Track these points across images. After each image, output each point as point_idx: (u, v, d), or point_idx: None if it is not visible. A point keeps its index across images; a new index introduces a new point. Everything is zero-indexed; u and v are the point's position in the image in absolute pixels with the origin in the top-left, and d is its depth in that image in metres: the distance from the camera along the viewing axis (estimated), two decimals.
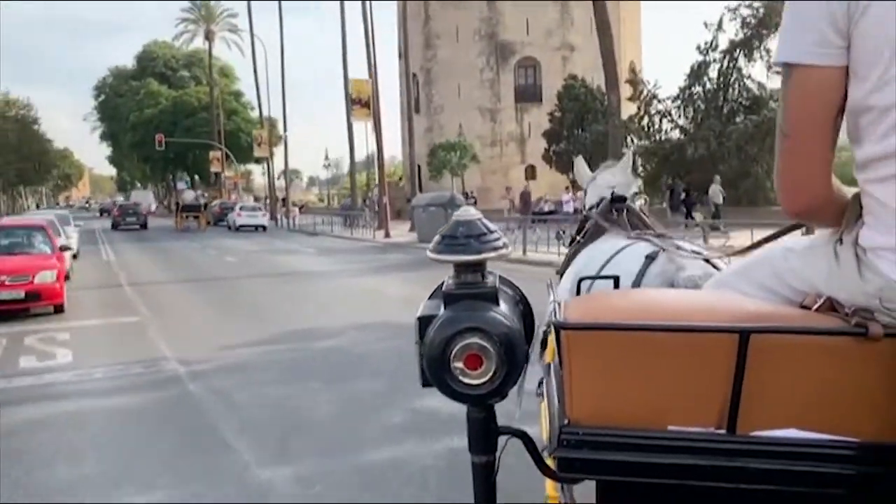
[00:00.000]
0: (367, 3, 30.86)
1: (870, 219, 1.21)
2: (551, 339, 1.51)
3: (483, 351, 1.36)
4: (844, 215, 1.26)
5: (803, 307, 1.30)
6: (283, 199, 48.81)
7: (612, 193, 3.35)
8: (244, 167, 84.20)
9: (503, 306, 1.44)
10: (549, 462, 1.38)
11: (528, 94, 45.19)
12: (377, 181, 33.90)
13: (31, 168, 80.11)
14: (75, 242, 20.51)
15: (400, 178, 38.49)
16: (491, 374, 1.36)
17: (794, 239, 1.47)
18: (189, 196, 43.67)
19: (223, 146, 57.06)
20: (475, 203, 33.20)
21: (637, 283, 2.49)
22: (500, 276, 1.55)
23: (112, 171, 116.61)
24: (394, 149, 66.31)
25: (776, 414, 1.23)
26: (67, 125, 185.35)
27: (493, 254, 1.43)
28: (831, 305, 1.25)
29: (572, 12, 43.85)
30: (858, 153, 1.21)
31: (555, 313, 1.46)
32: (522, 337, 1.44)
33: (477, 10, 44.77)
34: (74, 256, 19.99)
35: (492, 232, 1.46)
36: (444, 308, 1.42)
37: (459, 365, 1.37)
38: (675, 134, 28.44)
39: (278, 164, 58.50)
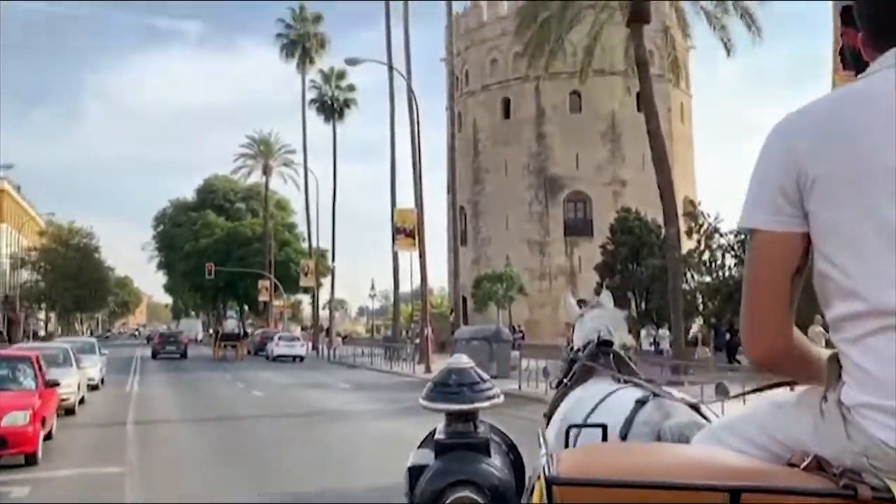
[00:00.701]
0: (417, 140, 30.98)
1: (848, 377, 1.24)
2: (539, 487, 1.45)
3: None
4: (821, 371, 1.30)
5: (791, 465, 1.30)
6: (327, 330, 47.94)
7: (599, 337, 3.34)
8: (294, 297, 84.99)
9: (495, 457, 1.48)
10: None
11: (577, 228, 44.35)
12: (421, 312, 32.71)
13: (89, 295, 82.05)
14: (97, 372, 19.59)
15: (451, 311, 37.14)
16: None
17: (783, 394, 1.47)
18: (229, 325, 43.59)
19: (272, 276, 57.32)
20: (522, 337, 31.52)
21: (626, 429, 2.47)
22: (490, 426, 1.58)
23: (169, 299, 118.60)
24: (441, 281, 65.92)
25: None
26: (130, 254, 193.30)
27: (485, 403, 1.48)
28: (819, 464, 1.26)
29: (623, 149, 43.74)
30: (828, 314, 1.28)
31: (547, 467, 1.41)
32: (513, 489, 1.47)
33: (526, 146, 45.09)
34: (95, 387, 19.07)
35: (484, 381, 1.52)
36: (436, 458, 1.45)
37: None
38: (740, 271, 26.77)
39: (326, 295, 58.58)
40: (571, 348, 3.68)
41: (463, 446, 1.45)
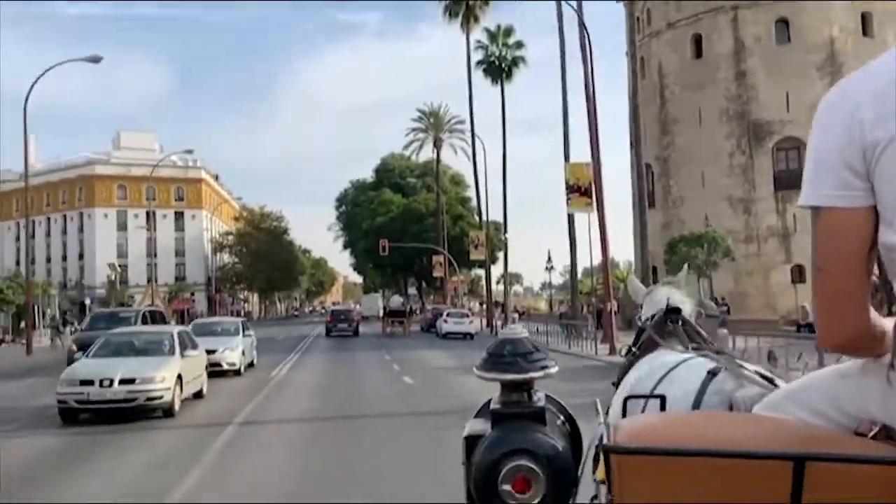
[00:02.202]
0: (590, 78, 26.48)
1: None
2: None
3: (532, 474, 1.37)
4: (888, 342, 1.26)
5: (858, 434, 1.28)
6: (503, 305, 44.95)
7: (667, 304, 3.31)
8: (473, 272, 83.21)
9: (551, 427, 1.49)
10: None
11: (790, 181, 37.13)
12: (602, 284, 28.38)
13: (281, 275, 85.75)
14: (238, 356, 17.84)
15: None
16: (540, 497, 1.37)
17: (847, 363, 1.41)
18: (395, 302, 42.05)
19: (446, 251, 55.31)
20: (728, 311, 26.11)
21: (698, 399, 2.39)
22: (547, 395, 1.60)
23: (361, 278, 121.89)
24: (625, 253, 60.53)
25: None
26: (324, 238, 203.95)
27: (539, 373, 1.50)
28: (887, 433, 1.25)
29: None
30: None
31: (604, 435, 1.41)
32: (571, 458, 1.47)
33: (723, 88, 38.62)
34: (238, 372, 17.44)
35: (538, 351, 1.53)
36: (492, 428, 1.44)
37: (508, 488, 1.36)
38: None
39: (502, 269, 55.66)
40: (640, 318, 3.63)
41: (518, 416, 1.45)
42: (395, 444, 9.15)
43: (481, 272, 74.10)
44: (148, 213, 78.95)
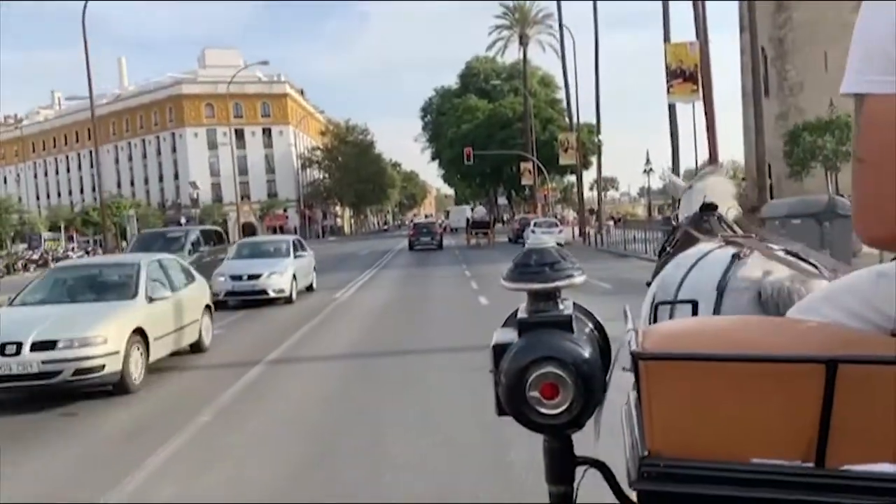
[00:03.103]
0: None
1: None
2: None
3: (559, 380, 1.36)
4: None
5: (894, 335, 1.24)
6: (595, 212, 41.97)
7: (703, 201, 3.24)
8: (565, 179, 79.63)
9: (579, 334, 1.46)
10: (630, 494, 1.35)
11: None
12: None
13: (369, 189, 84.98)
14: (287, 282, 15.81)
15: (744, 181, 28.85)
16: (568, 403, 1.37)
17: (886, 264, 1.39)
18: (479, 213, 40.11)
19: (535, 157, 52.20)
20: None
21: (722, 284, 2.35)
22: (574, 304, 1.55)
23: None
24: (731, 154, 55.39)
25: (867, 447, 1.18)
26: (415, 148, 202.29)
27: (566, 282, 1.46)
28: None
29: None
30: None
31: (632, 342, 1.40)
32: (599, 366, 1.44)
33: None
34: (289, 300, 15.70)
35: (565, 260, 1.49)
36: (519, 336, 1.43)
37: (535, 394, 1.37)
38: None
39: (596, 174, 52.06)
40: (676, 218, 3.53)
41: (545, 324, 1.43)
42: (446, 389, 7.17)
43: (574, 179, 70.65)
44: (236, 131, 79.42)
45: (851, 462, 1.18)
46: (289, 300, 15.59)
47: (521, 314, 1.48)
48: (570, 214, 55.64)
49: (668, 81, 23.21)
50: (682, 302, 2.35)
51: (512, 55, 68.76)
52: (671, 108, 27.93)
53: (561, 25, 44.42)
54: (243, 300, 15.29)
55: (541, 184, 53.69)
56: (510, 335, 1.46)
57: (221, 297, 14.68)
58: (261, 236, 21.01)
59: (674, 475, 1.26)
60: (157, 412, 6.98)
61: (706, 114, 21.86)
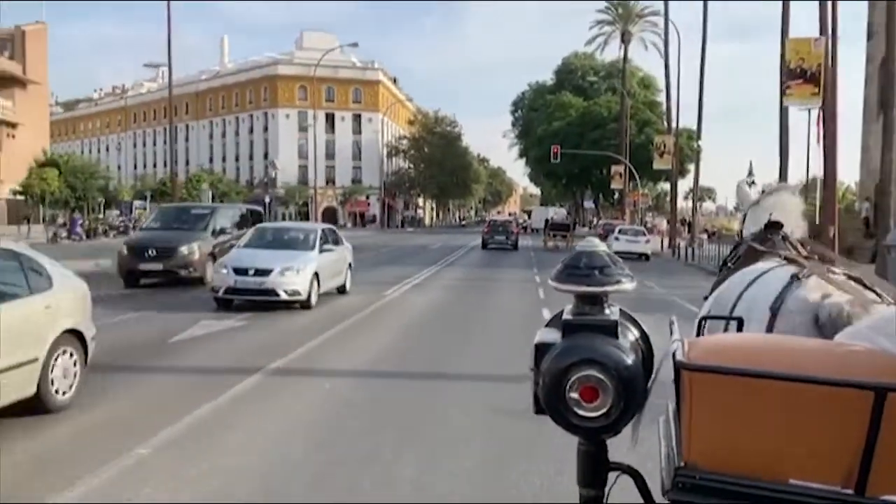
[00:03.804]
0: None
1: None
2: None
3: (600, 384, 1.35)
4: None
5: None
6: (688, 223, 38.98)
7: (769, 218, 3.20)
8: (658, 187, 75.79)
9: (623, 341, 1.44)
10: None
11: None
12: (819, 204, 22.14)
13: (452, 182, 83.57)
14: (304, 281, 12.41)
15: (865, 202, 25.53)
16: (607, 408, 1.36)
17: None
18: (559, 214, 38.06)
19: (628, 160, 49.30)
20: None
21: (776, 304, 2.32)
22: (622, 310, 1.54)
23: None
24: (844, 174, 50.60)
25: None
26: (502, 144, 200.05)
27: (614, 287, 1.45)
28: None
29: None
30: None
31: (678, 352, 1.39)
32: (641, 373, 1.42)
33: None
34: (306, 305, 12.45)
35: (615, 264, 1.48)
36: (563, 337, 1.43)
37: (575, 396, 1.37)
38: None
39: (692, 184, 48.69)
40: (740, 234, 3.49)
41: (590, 327, 1.42)
42: (461, 438, 5.38)
43: (667, 186, 66.87)
44: (326, 115, 79.52)
45: (893, 493, 1.15)
46: (306, 304, 12.39)
47: (567, 315, 1.47)
48: (663, 223, 52.09)
49: (784, 83, 20.38)
50: (722, 318, 2.38)
51: (612, 53, 65.76)
52: (782, 116, 24.99)
53: (667, 20, 41.51)
54: (250, 301, 12.31)
55: (631, 189, 50.73)
56: (553, 335, 1.46)
57: (221, 295, 12.24)
58: (285, 222, 17.25)
59: (709, 488, 1.24)
60: (90, 436, 5.50)
61: (824, 121, 19.05)
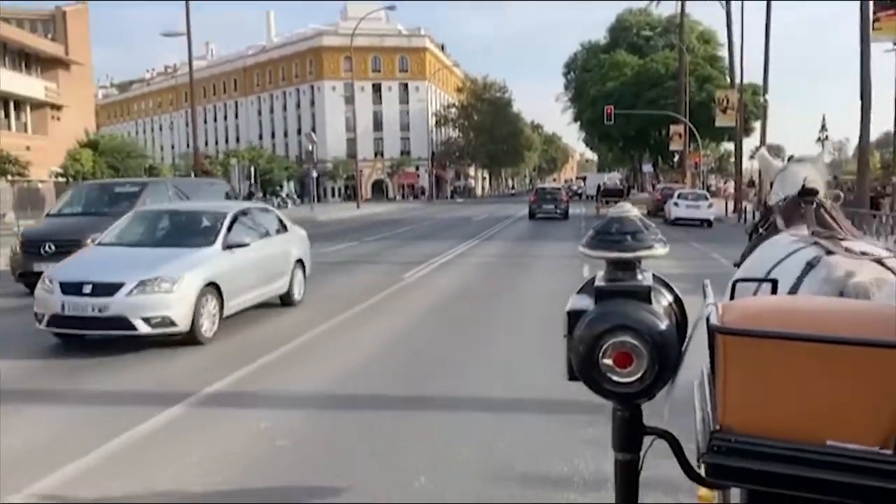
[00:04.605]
0: None
1: None
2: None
3: (634, 350, 1.35)
4: None
5: None
6: (756, 185, 35.91)
7: (804, 184, 3.07)
8: (721, 148, 71.68)
9: (656, 306, 1.44)
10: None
11: None
12: None
13: (504, 150, 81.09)
14: (182, 301, 7.40)
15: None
16: (641, 373, 1.36)
17: None
18: (612, 179, 35.69)
19: (687, 119, 46.05)
20: None
21: (798, 285, 2.25)
22: (654, 275, 1.52)
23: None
24: None
25: None
26: (555, 108, 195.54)
27: (646, 252, 1.44)
28: None
29: None
30: None
31: (712, 315, 1.36)
32: (676, 338, 1.42)
33: None
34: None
35: (648, 229, 1.47)
36: (596, 304, 1.42)
37: (608, 362, 1.37)
38: None
39: (758, 142, 45.20)
40: (764, 203, 3.39)
41: (623, 293, 1.41)
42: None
43: (731, 146, 62.71)
44: (373, 86, 77.86)
45: None
46: (191, 337, 7.53)
47: (599, 282, 1.46)
48: (730, 186, 48.49)
49: (873, 14, 17.51)
50: (764, 280, 2.27)
51: (668, 8, 61.84)
52: (863, 59, 21.91)
53: None
54: (85, 335, 7.66)
55: (692, 150, 47.51)
56: (586, 302, 1.45)
57: (44, 326, 7.57)
58: (182, 203, 12.05)
59: (745, 451, 1.24)
60: None
61: None
